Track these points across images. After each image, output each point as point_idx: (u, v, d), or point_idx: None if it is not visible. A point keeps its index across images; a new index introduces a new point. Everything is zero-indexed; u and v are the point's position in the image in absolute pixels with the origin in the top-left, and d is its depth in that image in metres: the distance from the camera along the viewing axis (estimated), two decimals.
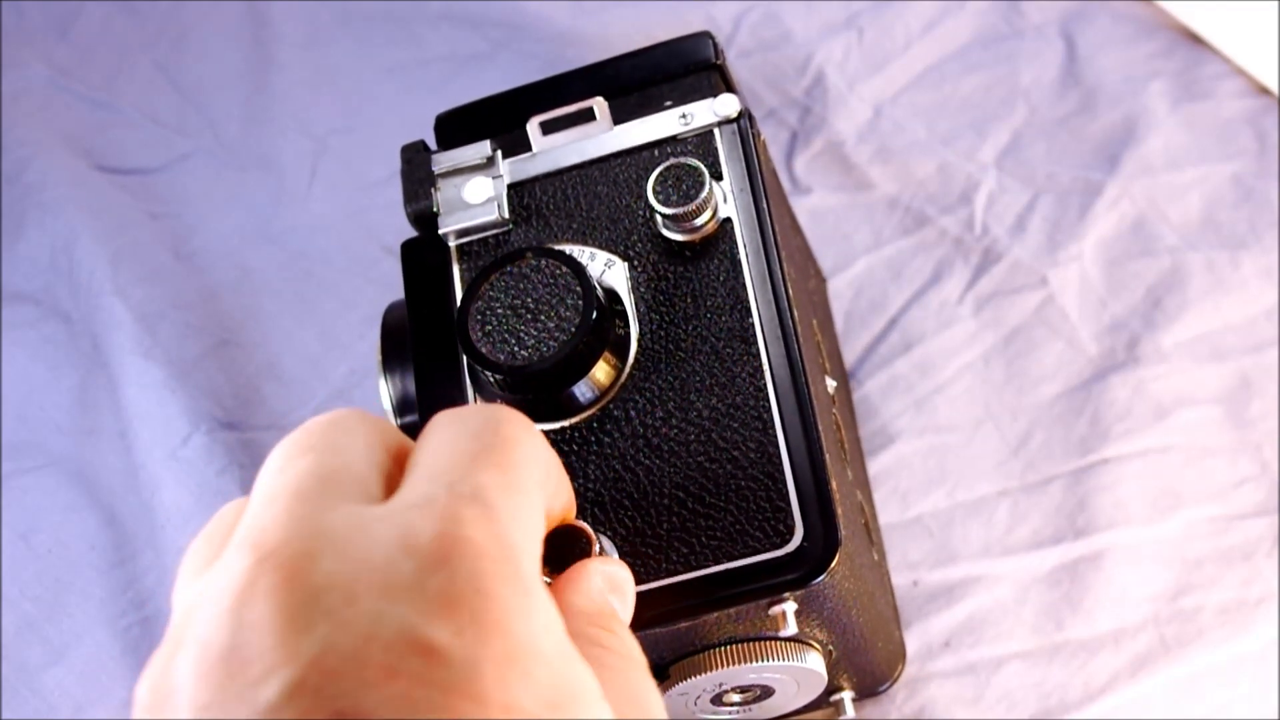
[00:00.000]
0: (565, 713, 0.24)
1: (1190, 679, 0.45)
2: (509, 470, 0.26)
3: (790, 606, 0.34)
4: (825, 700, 0.42)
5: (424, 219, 0.40)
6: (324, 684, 0.22)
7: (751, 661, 0.36)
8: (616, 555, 0.35)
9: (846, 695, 0.42)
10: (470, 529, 0.24)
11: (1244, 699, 0.44)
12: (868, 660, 0.41)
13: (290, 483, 0.26)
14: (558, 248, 0.37)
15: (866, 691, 0.45)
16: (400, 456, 0.28)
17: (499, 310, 0.35)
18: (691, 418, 0.35)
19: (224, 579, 0.24)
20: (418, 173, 0.40)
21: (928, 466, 0.50)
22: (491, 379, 0.36)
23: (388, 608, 0.23)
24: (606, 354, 0.36)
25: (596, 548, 0.31)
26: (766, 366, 0.35)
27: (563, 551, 0.31)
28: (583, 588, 0.30)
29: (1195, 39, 0.57)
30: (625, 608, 0.31)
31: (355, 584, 0.23)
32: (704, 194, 0.36)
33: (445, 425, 0.28)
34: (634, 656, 0.29)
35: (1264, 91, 0.55)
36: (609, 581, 0.31)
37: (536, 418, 0.35)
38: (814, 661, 0.37)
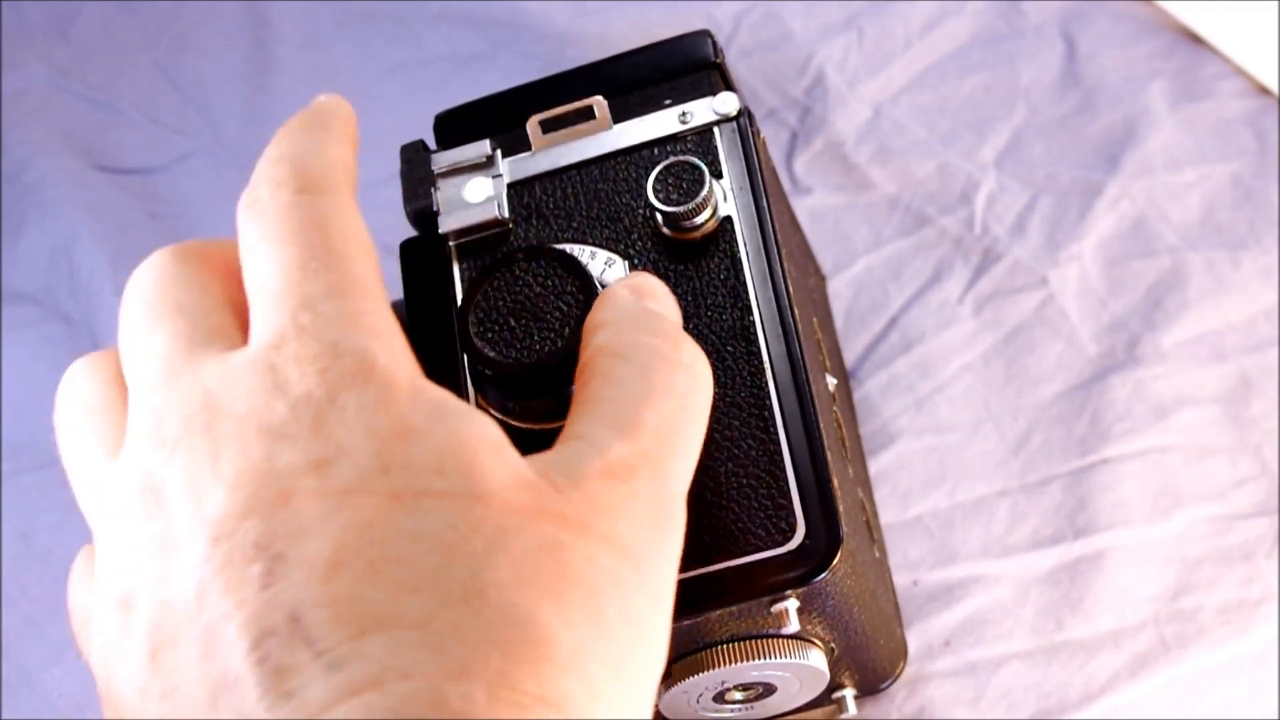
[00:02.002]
0: (451, 476, 0.26)
1: (1190, 679, 0.45)
2: (335, 269, 0.28)
3: (792, 604, 0.34)
4: (827, 698, 0.42)
5: (424, 218, 0.39)
6: (236, 528, 0.25)
7: (754, 659, 0.36)
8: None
9: (848, 693, 0.42)
10: (315, 347, 0.27)
11: (1244, 699, 0.44)
12: (869, 657, 0.41)
13: (161, 361, 0.28)
14: (558, 247, 0.37)
15: (868, 689, 0.45)
16: (237, 274, 0.30)
17: (499, 310, 0.35)
18: None
19: (132, 476, 0.27)
20: (417, 172, 0.40)
21: (928, 466, 0.50)
22: (492, 378, 0.35)
23: (275, 446, 0.26)
24: None
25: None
26: (767, 364, 0.35)
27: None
28: (609, 305, 0.32)
29: (1195, 39, 0.57)
30: (668, 309, 0.32)
31: (245, 435, 0.26)
32: (704, 192, 0.36)
33: (259, 240, 0.29)
34: (670, 357, 0.30)
35: (1264, 91, 0.55)
36: (635, 290, 0.32)
37: (538, 418, 0.35)
38: (816, 659, 0.37)
